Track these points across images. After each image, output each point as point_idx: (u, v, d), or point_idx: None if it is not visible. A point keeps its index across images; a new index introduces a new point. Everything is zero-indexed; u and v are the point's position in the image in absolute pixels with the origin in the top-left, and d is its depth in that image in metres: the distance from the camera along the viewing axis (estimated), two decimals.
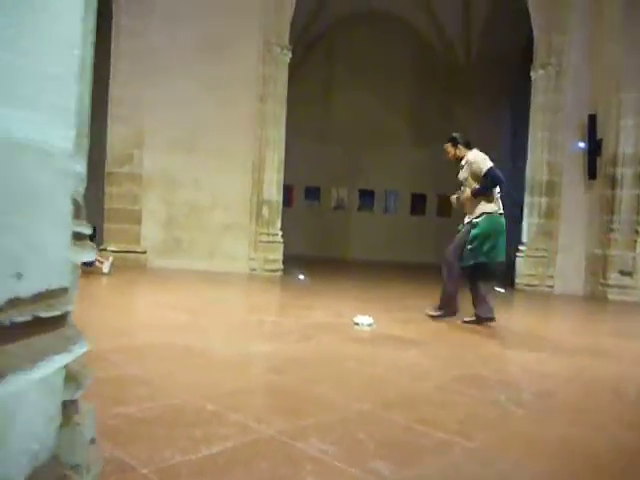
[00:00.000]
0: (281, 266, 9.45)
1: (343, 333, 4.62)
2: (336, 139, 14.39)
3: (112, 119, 8.87)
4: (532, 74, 9.60)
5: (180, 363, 3.27)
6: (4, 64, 0.68)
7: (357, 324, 4.95)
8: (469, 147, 5.51)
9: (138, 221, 9.09)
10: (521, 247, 9.54)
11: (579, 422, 2.66)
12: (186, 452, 1.95)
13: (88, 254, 0.96)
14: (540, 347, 4.70)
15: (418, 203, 14.99)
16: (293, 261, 9.77)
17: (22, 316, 0.73)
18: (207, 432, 2.15)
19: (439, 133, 14.29)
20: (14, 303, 0.72)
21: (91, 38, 0.92)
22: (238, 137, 9.22)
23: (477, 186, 5.27)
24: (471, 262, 5.28)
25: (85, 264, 2.37)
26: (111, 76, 8.78)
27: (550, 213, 9.37)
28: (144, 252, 9.04)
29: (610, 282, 8.64)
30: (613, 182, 8.80)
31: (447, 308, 5.43)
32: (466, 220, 5.43)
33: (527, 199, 9.61)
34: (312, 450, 2.04)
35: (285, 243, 9.63)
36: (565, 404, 3.01)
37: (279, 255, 9.48)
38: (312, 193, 14.82)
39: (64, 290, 0.86)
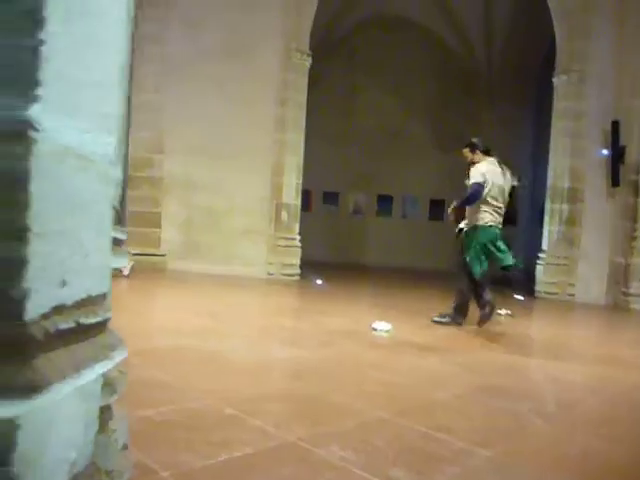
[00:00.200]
0: (299, 271, 9.46)
1: (361, 339, 4.61)
2: (355, 144, 14.38)
3: (133, 124, 8.97)
4: (554, 80, 9.50)
5: (199, 367, 3.28)
6: (53, 72, 0.70)
7: (375, 330, 4.94)
8: (488, 154, 5.53)
9: (158, 224, 9.17)
10: (541, 254, 9.43)
11: (600, 434, 2.62)
12: (206, 457, 1.95)
13: (123, 259, 0.97)
14: (561, 356, 4.65)
15: (436, 209, 14.90)
16: (311, 266, 9.77)
17: (66, 323, 0.74)
18: (227, 437, 2.16)
19: (459, 138, 14.16)
20: (59, 310, 0.73)
21: (129, 45, 0.94)
22: (257, 141, 9.26)
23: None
24: (479, 271, 5.35)
25: None
26: (133, 81, 8.88)
27: (571, 220, 9.25)
28: (163, 255, 9.11)
29: (632, 291, 8.50)
30: (636, 189, 8.67)
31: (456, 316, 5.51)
32: (461, 225, 5.58)
33: (548, 206, 9.50)
34: (332, 457, 2.03)
35: (303, 248, 9.64)
36: (586, 415, 2.97)
37: (297, 260, 9.48)
38: (330, 198, 14.81)
39: (104, 296, 0.87)
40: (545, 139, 10.05)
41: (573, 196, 9.26)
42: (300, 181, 9.61)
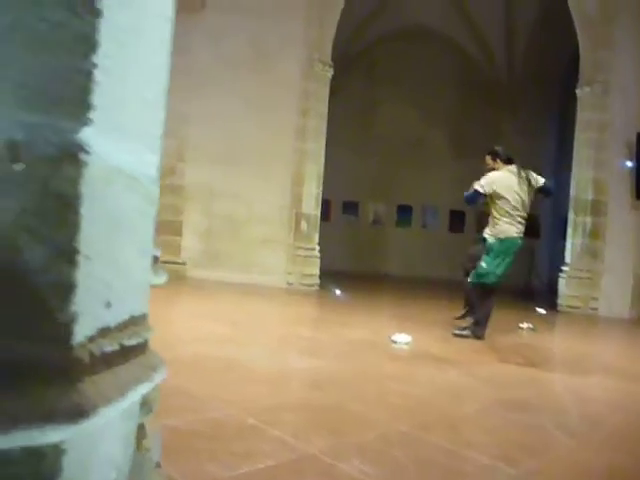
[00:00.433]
0: (318, 281, 9.45)
1: (381, 351, 4.59)
2: (375, 154, 14.37)
3: None
4: (577, 91, 9.41)
5: (221, 376, 3.29)
6: (105, 94, 0.71)
7: (395, 342, 4.91)
8: (510, 163, 5.50)
9: (178, 232, 9.24)
10: (564, 267, 9.29)
11: (625, 450, 2.57)
12: (230, 468, 1.96)
13: (162, 277, 0.98)
14: (585, 371, 4.57)
15: (457, 220, 14.80)
16: (330, 276, 9.76)
17: (111, 346, 0.74)
18: (249, 448, 2.16)
19: (480, 148, 14.06)
20: (103, 332, 0.73)
21: (169, 62, 0.95)
22: (278, 151, 9.31)
23: (490, 205, 5.41)
24: (479, 281, 5.39)
25: None
26: None
27: (595, 233, 9.12)
28: (183, 263, 9.17)
29: None
30: None
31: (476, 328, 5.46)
32: (484, 233, 5.53)
33: (571, 218, 9.38)
34: (353, 471, 2.02)
35: (322, 257, 9.63)
36: (610, 431, 2.91)
37: (316, 269, 9.48)
38: (350, 207, 14.80)
39: (144, 316, 0.87)
40: (568, 150, 9.95)
41: (596, 208, 9.13)
42: (320, 190, 9.63)
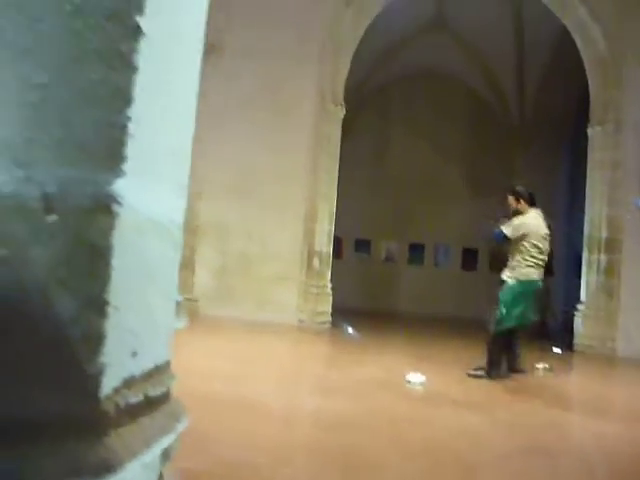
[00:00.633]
0: (330, 318, 9.38)
1: (395, 391, 4.51)
2: (388, 192, 14.45)
3: None
4: (589, 131, 9.45)
5: (233, 414, 3.25)
6: (138, 146, 0.73)
7: (409, 382, 4.83)
8: (533, 204, 5.43)
9: (192, 269, 9.26)
10: (580, 306, 9.16)
11: None
12: None
13: (183, 321, 0.97)
14: (605, 414, 4.45)
15: (469, 258, 14.74)
16: (342, 313, 9.69)
17: (136, 397, 0.73)
18: None
19: (493, 187, 14.21)
20: (129, 383, 0.72)
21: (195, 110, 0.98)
22: (291, 188, 9.39)
23: (513, 247, 5.31)
24: (504, 328, 5.29)
25: None
26: None
27: (610, 271, 9.01)
28: (196, 300, 9.16)
29: None
30: None
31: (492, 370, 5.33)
32: (503, 275, 5.43)
33: (585, 255, 9.29)
34: None
35: (334, 295, 9.59)
36: (635, 478, 2.81)
37: (328, 307, 9.43)
38: (362, 245, 14.81)
39: (168, 363, 0.86)
40: (580, 188, 9.94)
41: (611, 246, 9.05)
42: (332, 228, 9.66)
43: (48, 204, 0.67)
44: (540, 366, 6.48)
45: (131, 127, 0.71)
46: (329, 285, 9.54)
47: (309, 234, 9.39)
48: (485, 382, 5.23)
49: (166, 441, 0.79)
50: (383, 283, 14.34)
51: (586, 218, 9.37)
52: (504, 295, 5.28)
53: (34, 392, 0.62)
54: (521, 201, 5.40)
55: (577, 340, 8.94)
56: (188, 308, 8.87)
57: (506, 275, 5.36)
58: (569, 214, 13.15)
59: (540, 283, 5.37)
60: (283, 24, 9.38)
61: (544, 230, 5.34)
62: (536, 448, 3.24)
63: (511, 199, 5.48)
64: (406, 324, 11.54)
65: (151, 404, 0.78)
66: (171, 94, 0.82)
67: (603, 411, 4.49)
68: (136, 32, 0.71)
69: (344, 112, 9.68)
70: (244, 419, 3.17)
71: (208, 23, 1.03)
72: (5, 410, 0.58)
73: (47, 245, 0.67)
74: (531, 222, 5.34)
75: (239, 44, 9.34)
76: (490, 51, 13.47)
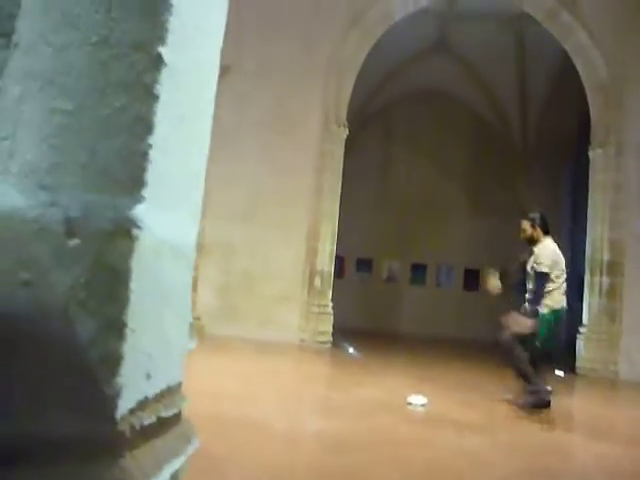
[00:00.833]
0: (331, 338, 9.35)
1: (396, 412, 4.48)
2: (390, 212, 14.49)
3: None
4: (590, 153, 9.51)
5: (235, 435, 3.23)
6: (157, 172, 0.75)
7: (410, 404, 4.80)
8: (547, 232, 5.30)
9: (194, 288, 9.25)
10: (582, 329, 9.11)
11: None
12: None
13: (194, 342, 0.98)
14: (606, 436, 4.41)
15: (471, 278, 14.72)
16: (343, 333, 9.65)
17: (149, 418, 0.73)
18: None
19: (495, 208, 14.29)
20: (142, 405, 0.73)
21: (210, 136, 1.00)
22: (294, 208, 9.43)
23: (530, 286, 5.15)
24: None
25: None
26: None
27: (612, 293, 8.99)
28: (198, 318, 9.14)
29: None
30: None
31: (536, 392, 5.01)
32: (528, 306, 5.15)
33: (587, 278, 9.27)
34: None
35: (335, 315, 9.57)
36: None
37: (329, 326, 9.40)
38: (364, 265, 14.80)
39: (180, 384, 0.87)
40: (583, 209, 9.96)
41: (613, 269, 9.04)
42: (334, 247, 9.67)
43: (71, 228, 0.68)
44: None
45: (151, 154, 0.73)
46: (330, 304, 9.52)
47: (311, 253, 9.40)
48: (488, 404, 5.19)
49: (177, 463, 0.80)
50: (385, 303, 14.30)
51: (588, 240, 9.37)
52: (541, 326, 5.05)
53: (55, 413, 0.62)
54: (537, 228, 5.26)
55: (579, 363, 8.88)
56: (191, 333, 8.85)
57: (543, 309, 5.11)
58: (571, 236, 13.17)
59: (565, 313, 5.26)
60: (291, 46, 9.53)
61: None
62: (537, 470, 3.22)
63: (527, 225, 5.32)
64: (408, 345, 11.49)
65: (163, 425, 0.79)
66: (188, 122, 0.84)
67: (604, 433, 4.46)
68: (158, 62, 0.73)
69: (347, 132, 9.78)
70: (248, 440, 3.16)
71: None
72: (29, 431, 0.59)
73: (68, 268, 0.68)
74: (555, 249, 5.22)
75: (248, 66, 9.47)
76: (492, 74, 13.62)
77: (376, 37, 9.88)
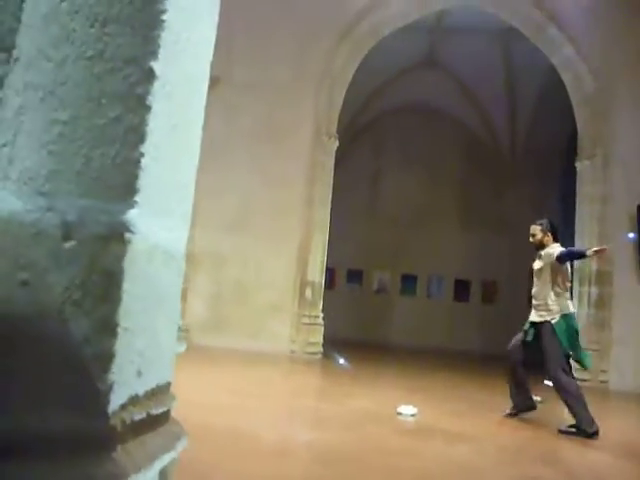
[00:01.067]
0: (321, 349, 9.35)
1: (386, 423, 4.49)
2: (380, 223, 14.57)
3: None
4: (577, 165, 9.64)
5: (225, 446, 3.22)
6: (149, 179, 0.78)
7: (400, 414, 4.81)
8: (556, 240, 5.16)
9: (183, 298, 9.24)
10: None
11: None
12: None
13: (182, 346, 1.00)
14: (595, 444, 4.43)
15: (461, 289, 14.79)
16: (334, 344, 9.66)
17: (140, 414, 0.77)
18: None
19: (484, 220, 14.41)
20: (133, 401, 0.76)
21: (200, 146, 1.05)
22: (285, 219, 9.46)
23: (550, 280, 4.93)
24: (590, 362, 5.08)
25: None
26: None
27: (601, 303, 9.07)
28: (187, 330, 9.11)
29: None
30: None
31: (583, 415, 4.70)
32: (535, 317, 5.00)
33: (576, 288, 9.35)
34: None
35: (326, 326, 9.58)
36: None
37: (320, 337, 9.40)
38: (354, 276, 14.84)
39: (169, 384, 0.90)
40: (571, 221, 10.07)
41: (602, 279, 9.13)
42: (325, 259, 9.70)
43: (67, 232, 0.72)
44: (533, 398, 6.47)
45: (144, 162, 0.76)
46: (321, 315, 9.53)
47: (302, 264, 9.42)
48: (479, 414, 5.21)
49: (167, 458, 0.82)
50: (375, 314, 14.32)
51: None
52: (561, 337, 4.82)
53: (51, 409, 0.65)
54: (547, 233, 5.10)
55: None
56: (179, 337, 8.81)
57: (549, 315, 4.91)
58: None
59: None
60: (281, 58, 9.62)
61: None
62: (527, 478, 3.23)
63: (537, 229, 5.14)
64: (398, 356, 11.50)
65: (153, 422, 0.81)
66: (180, 132, 0.88)
67: (594, 442, 4.48)
68: (150, 75, 0.77)
69: (337, 144, 9.86)
70: (237, 451, 3.15)
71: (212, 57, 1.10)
72: (26, 427, 0.61)
73: (64, 270, 0.71)
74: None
75: (238, 77, 9.54)
76: (481, 88, 13.80)
77: (366, 50, 9.99)
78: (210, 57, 1.04)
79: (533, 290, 5.10)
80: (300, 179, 9.52)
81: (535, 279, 5.10)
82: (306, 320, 9.28)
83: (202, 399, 4.62)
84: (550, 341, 4.81)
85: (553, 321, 4.83)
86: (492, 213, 14.35)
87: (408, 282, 14.85)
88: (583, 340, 8.82)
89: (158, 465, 0.77)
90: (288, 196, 9.49)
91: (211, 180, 9.18)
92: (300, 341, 9.18)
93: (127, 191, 0.76)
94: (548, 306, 4.89)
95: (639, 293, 9.00)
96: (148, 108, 0.77)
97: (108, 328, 0.72)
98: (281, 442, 3.54)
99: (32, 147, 0.72)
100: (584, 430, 4.57)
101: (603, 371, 8.83)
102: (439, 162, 14.75)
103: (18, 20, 0.73)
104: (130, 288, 0.75)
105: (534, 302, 5.05)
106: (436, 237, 14.48)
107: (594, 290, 9.12)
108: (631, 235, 9.07)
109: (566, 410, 4.83)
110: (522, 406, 5.16)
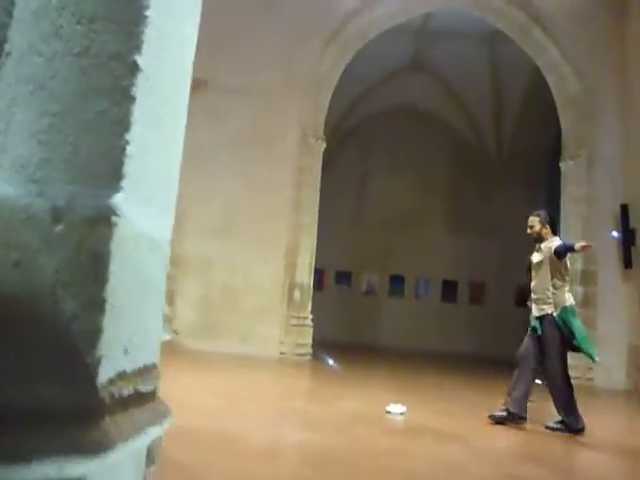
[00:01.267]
0: (310, 350, 9.38)
1: (376, 423, 4.51)
2: (369, 225, 14.64)
3: None
4: (561, 165, 9.76)
5: (215, 449, 3.22)
6: (135, 167, 0.82)
7: (389, 412, 4.84)
8: (554, 232, 5.11)
9: (171, 302, 9.21)
10: None
11: None
12: None
13: (167, 333, 1.04)
14: (583, 441, 4.48)
15: (449, 290, 14.88)
16: (323, 345, 9.68)
17: (127, 389, 0.81)
18: None
19: (472, 220, 14.52)
20: (121, 377, 0.81)
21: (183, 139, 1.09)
22: (273, 222, 9.49)
23: (549, 273, 4.85)
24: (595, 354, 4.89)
25: None
26: None
27: (586, 302, 9.18)
28: (177, 333, 9.09)
29: None
30: None
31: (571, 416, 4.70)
32: (536, 312, 4.91)
33: None
34: None
35: (315, 327, 9.61)
36: None
37: (309, 339, 9.43)
38: (343, 278, 14.89)
39: (155, 366, 0.94)
40: (557, 221, 10.16)
41: (587, 278, 9.24)
42: (313, 261, 9.73)
43: (56, 216, 0.76)
44: None
45: (129, 150, 0.81)
46: (310, 317, 9.56)
47: (290, 267, 9.45)
48: (468, 413, 5.24)
49: (153, 432, 0.86)
50: (364, 315, 14.38)
51: None
52: (567, 328, 4.74)
53: (42, 383, 0.69)
54: (546, 225, 5.02)
55: None
56: (169, 342, 8.79)
57: (549, 309, 4.84)
58: None
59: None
60: (268, 62, 9.66)
61: None
62: (514, 476, 3.27)
63: (535, 221, 5.04)
64: (387, 357, 11.54)
65: (140, 399, 0.85)
66: (164, 124, 0.92)
67: (582, 440, 4.53)
68: (134, 69, 0.82)
69: (324, 146, 9.91)
70: (226, 454, 3.15)
71: (196, 59, 1.14)
72: (18, 400, 0.65)
73: (54, 251, 0.75)
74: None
75: (224, 81, 9.56)
76: (467, 91, 13.93)
77: (352, 53, 10.06)
78: (192, 55, 1.09)
79: (532, 284, 5.01)
80: (287, 183, 9.56)
81: (533, 273, 5.02)
82: (295, 322, 9.31)
83: (191, 402, 4.60)
84: (551, 334, 4.77)
85: (555, 314, 4.78)
86: (479, 215, 14.47)
87: (396, 284, 14.92)
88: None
89: (145, 438, 0.81)
90: (276, 200, 9.51)
91: (198, 185, 9.19)
92: (289, 343, 9.20)
93: (113, 178, 0.81)
94: (548, 299, 4.82)
95: (623, 291, 9.13)
96: (133, 99, 0.81)
97: (96, 305, 0.77)
98: (271, 444, 3.55)
99: (23, 137, 0.77)
100: (571, 426, 4.60)
101: (589, 369, 8.92)
102: (426, 165, 14.85)
103: (10, 15, 0.77)
104: (117, 270, 0.79)
105: (533, 296, 4.98)
106: (424, 239, 14.57)
107: (579, 289, 9.23)
108: (615, 234, 9.19)
109: (554, 407, 4.86)
110: (522, 414, 4.86)
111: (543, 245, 4.97)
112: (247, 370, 7.52)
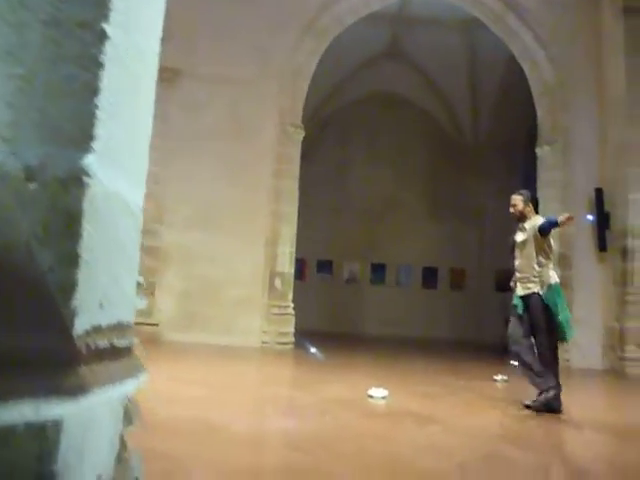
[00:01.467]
0: (293, 339, 9.43)
1: (358, 408, 4.57)
2: (349, 214, 14.70)
3: None
4: (537, 151, 9.91)
5: (199, 438, 3.24)
6: (106, 131, 0.85)
7: (371, 397, 4.90)
8: (537, 212, 5.19)
9: (152, 294, 9.18)
10: None
11: None
12: None
13: (142, 301, 1.07)
14: (559, 420, 4.59)
15: (430, 277, 15.03)
16: (305, 334, 9.74)
17: (103, 342, 0.85)
18: None
19: (450, 207, 14.67)
20: (97, 330, 0.84)
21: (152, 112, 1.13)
22: (253, 213, 9.49)
23: (534, 252, 4.87)
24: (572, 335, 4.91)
25: None
26: None
27: (563, 285, 9.24)
28: (156, 324, 9.07)
29: (627, 355, 8.50)
30: (624, 254, 8.84)
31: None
32: (521, 291, 4.91)
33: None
34: None
35: (298, 317, 9.66)
36: None
37: (291, 328, 9.48)
38: (325, 266, 14.95)
39: (130, 325, 0.98)
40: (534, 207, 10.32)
41: (562, 262, 9.40)
42: (294, 250, 9.76)
43: (29, 174, 0.79)
44: (498, 378, 6.67)
45: (99, 114, 0.85)
46: (291, 305, 9.60)
47: (271, 256, 9.47)
48: (448, 395, 5.32)
49: (129, 385, 0.89)
50: (346, 304, 14.47)
51: None
52: (554, 304, 4.79)
53: (21, 330, 0.72)
54: (529, 204, 5.08)
55: None
56: (150, 333, 8.77)
57: (534, 287, 4.84)
58: None
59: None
60: (245, 52, 9.61)
61: None
62: (495, 455, 3.34)
63: (518, 199, 5.06)
64: (369, 344, 11.65)
65: (116, 353, 0.89)
66: (132, 93, 0.95)
67: (561, 419, 4.62)
68: (102, 37, 0.85)
69: (303, 134, 9.91)
70: (211, 443, 3.16)
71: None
72: None
73: (28, 208, 0.79)
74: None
75: (203, 71, 9.50)
76: (444, 78, 14.01)
77: (329, 41, 10.05)
78: (160, 33, 1.12)
79: (516, 263, 5.03)
80: (266, 172, 9.56)
81: (517, 252, 5.03)
82: (276, 311, 9.35)
83: (175, 393, 4.61)
84: (539, 313, 4.80)
85: (540, 292, 4.81)
86: (458, 202, 14.61)
87: (378, 271, 15.02)
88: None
89: (121, 388, 0.85)
90: (255, 190, 9.51)
91: (177, 177, 9.15)
92: (271, 332, 9.24)
93: (84, 140, 0.85)
94: (534, 277, 4.84)
95: (598, 274, 9.33)
96: (101, 65, 0.85)
97: (70, 259, 0.81)
98: (255, 431, 3.59)
99: None
100: (549, 404, 4.64)
101: (565, 350, 9.11)
102: (405, 152, 14.94)
103: None
104: (90, 228, 0.83)
105: (518, 275, 5.00)
106: (404, 227, 14.68)
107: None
108: (589, 217, 9.37)
109: (530, 387, 4.92)
110: (557, 388, 4.78)
111: (527, 224, 4.99)
112: (230, 360, 7.55)
